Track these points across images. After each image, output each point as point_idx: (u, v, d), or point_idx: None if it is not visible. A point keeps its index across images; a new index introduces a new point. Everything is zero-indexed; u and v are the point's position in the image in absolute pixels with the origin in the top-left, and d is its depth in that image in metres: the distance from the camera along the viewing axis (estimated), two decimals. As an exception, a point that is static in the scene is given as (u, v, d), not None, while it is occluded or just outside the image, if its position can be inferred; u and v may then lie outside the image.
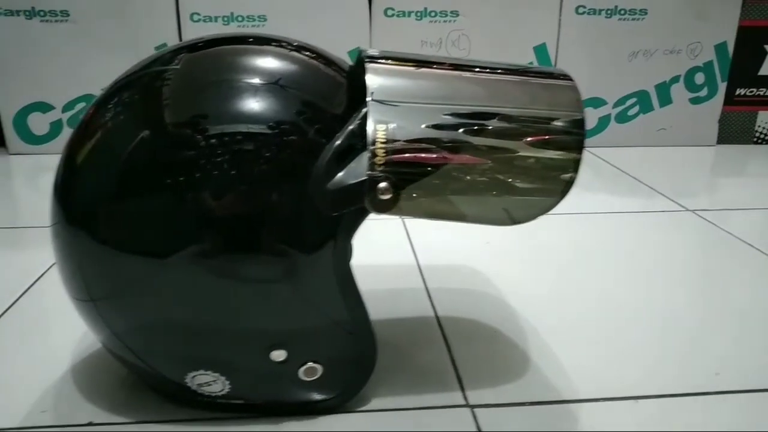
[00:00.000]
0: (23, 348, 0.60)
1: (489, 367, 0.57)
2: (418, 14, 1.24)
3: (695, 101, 1.34)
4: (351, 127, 0.44)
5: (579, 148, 0.46)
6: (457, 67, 0.49)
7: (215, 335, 0.44)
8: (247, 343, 0.45)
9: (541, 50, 1.27)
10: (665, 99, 1.33)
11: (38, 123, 1.27)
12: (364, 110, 0.44)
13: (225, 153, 0.42)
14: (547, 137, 0.46)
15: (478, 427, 0.49)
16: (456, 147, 0.44)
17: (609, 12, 1.26)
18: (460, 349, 0.59)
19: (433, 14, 1.24)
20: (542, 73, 0.50)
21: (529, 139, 0.45)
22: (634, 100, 1.33)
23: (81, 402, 0.51)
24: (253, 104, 0.44)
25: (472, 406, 0.51)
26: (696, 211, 0.98)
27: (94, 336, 0.50)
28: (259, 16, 1.22)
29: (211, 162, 0.42)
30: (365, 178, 0.42)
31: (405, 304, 0.67)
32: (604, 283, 0.74)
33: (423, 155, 0.43)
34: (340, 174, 0.43)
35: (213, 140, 0.43)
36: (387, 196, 0.42)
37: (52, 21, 1.21)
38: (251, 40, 0.52)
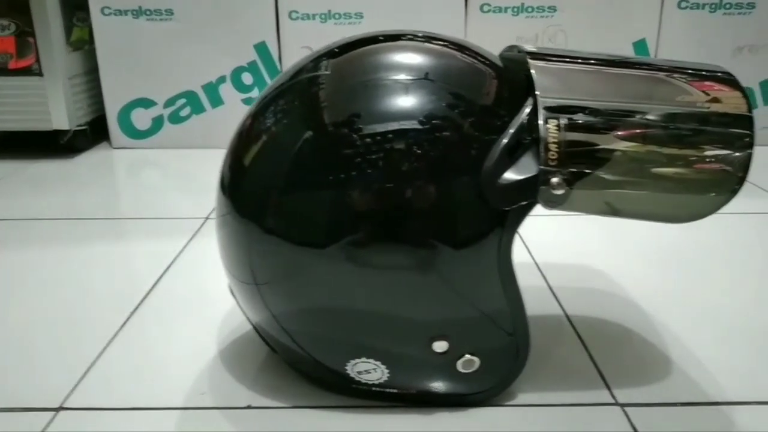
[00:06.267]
0: (167, 333, 0.63)
1: (630, 366, 0.56)
2: (515, 9, 1.23)
3: (803, 99, 1.28)
4: (519, 123, 0.44)
5: (748, 146, 0.45)
6: (615, 63, 0.49)
7: (382, 324, 0.45)
8: (412, 333, 0.46)
9: (640, 46, 1.25)
10: (771, 96, 1.28)
11: (141, 118, 1.33)
12: (530, 106, 0.44)
13: (380, 150, 0.43)
14: (715, 136, 0.45)
15: (632, 426, 0.48)
16: (626, 144, 0.43)
17: (713, 6, 1.22)
18: (597, 346, 0.59)
19: (529, 9, 1.23)
20: (701, 70, 0.49)
21: (697, 137, 0.45)
22: (736, 97, 1.28)
23: (236, 385, 0.53)
24: (405, 101, 0.45)
25: (623, 405, 0.51)
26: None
27: (252, 318, 0.52)
28: (356, 14, 1.24)
29: (367, 160, 0.43)
30: (537, 173, 0.42)
31: (531, 302, 0.66)
32: (725, 283, 0.72)
33: (595, 151, 0.43)
34: (510, 169, 0.43)
35: (368, 139, 0.44)
36: (560, 191, 0.42)
37: (157, 20, 1.26)
38: (382, 38, 0.53)
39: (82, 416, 0.50)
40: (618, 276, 0.74)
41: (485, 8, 1.23)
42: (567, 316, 0.64)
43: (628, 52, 1.24)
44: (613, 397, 0.52)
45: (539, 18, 1.24)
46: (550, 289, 0.70)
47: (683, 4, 1.23)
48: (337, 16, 1.24)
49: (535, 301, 0.67)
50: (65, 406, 0.51)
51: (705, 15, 1.23)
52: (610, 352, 0.58)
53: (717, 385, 0.53)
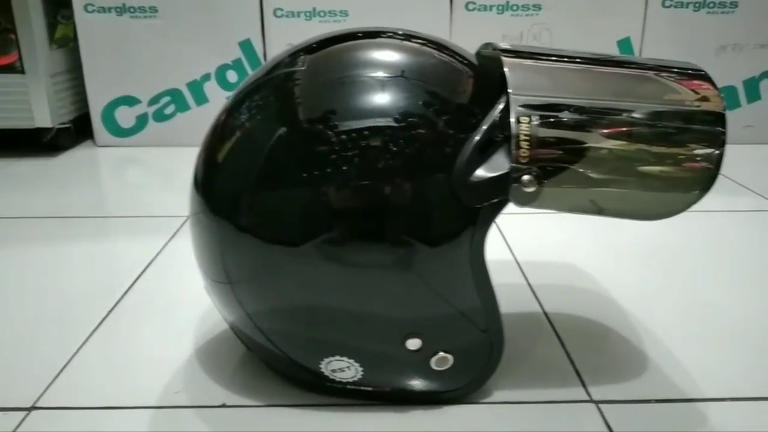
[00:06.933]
0: (144, 332, 0.63)
1: (606, 363, 0.56)
2: (500, 8, 1.23)
3: (786, 97, 1.29)
4: (491, 120, 0.44)
5: (720, 143, 0.45)
6: (590, 61, 0.49)
7: (355, 322, 0.45)
8: (384, 330, 0.46)
9: (625, 44, 1.25)
10: (754, 95, 1.29)
11: (125, 116, 1.32)
12: (503, 103, 0.44)
13: (355, 148, 0.43)
14: (688, 133, 0.45)
15: (606, 423, 0.48)
16: (598, 141, 0.43)
17: (697, 5, 1.23)
18: (574, 344, 0.59)
19: (514, 8, 1.23)
20: (675, 67, 0.49)
21: (670, 134, 0.45)
22: (720, 96, 1.29)
23: (211, 383, 0.53)
24: (380, 98, 0.45)
25: (597, 402, 0.51)
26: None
27: (226, 318, 0.52)
28: (340, 11, 1.23)
29: (342, 157, 0.43)
30: (509, 170, 0.42)
31: (510, 300, 0.67)
32: (706, 281, 0.73)
33: (566, 149, 0.43)
34: (482, 167, 0.43)
35: (343, 136, 0.43)
36: (531, 189, 0.42)
37: (141, 17, 1.25)
38: (361, 35, 0.52)
39: (54, 416, 0.50)
40: (598, 274, 0.74)
41: (470, 6, 1.23)
42: (546, 314, 0.64)
43: (612, 50, 1.25)
44: (588, 394, 0.52)
45: (524, 16, 1.24)
46: (530, 287, 0.70)
47: (667, 3, 1.23)
48: (321, 14, 1.24)
49: (514, 299, 0.67)
50: (38, 405, 0.51)
51: (689, 14, 1.24)
52: (587, 350, 0.58)
53: (691, 382, 0.54)
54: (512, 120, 0.43)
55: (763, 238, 0.86)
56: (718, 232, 0.88)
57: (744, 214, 0.95)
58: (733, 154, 1.23)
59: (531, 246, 0.82)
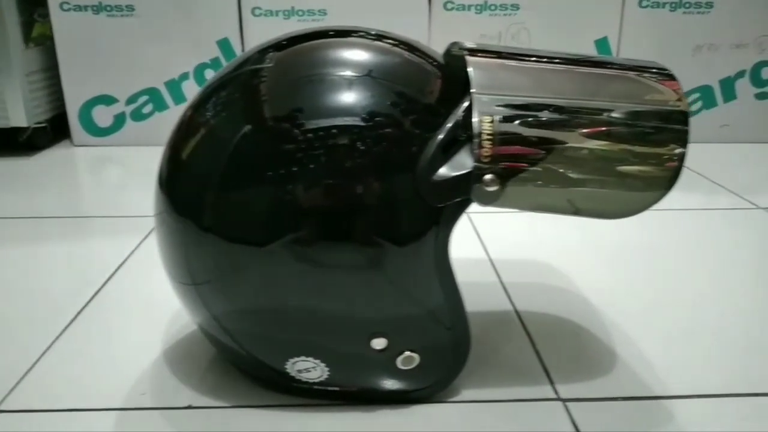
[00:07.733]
0: (113, 333, 0.62)
1: (575, 361, 0.56)
2: (478, 8, 1.23)
3: (761, 97, 1.30)
4: (455, 119, 0.44)
5: (684, 141, 0.45)
6: (556, 60, 0.49)
7: (319, 322, 0.45)
8: (349, 330, 0.46)
9: (602, 44, 1.26)
10: (729, 94, 1.30)
11: (102, 115, 1.31)
12: (467, 102, 0.44)
13: (321, 147, 0.43)
14: (651, 131, 0.45)
15: (572, 421, 0.48)
16: (560, 141, 0.44)
17: (673, 5, 1.24)
18: (544, 342, 0.59)
19: (493, 8, 1.24)
20: (640, 66, 0.50)
21: (633, 132, 0.45)
22: (697, 95, 1.30)
23: (178, 385, 0.53)
24: (347, 97, 0.45)
25: (564, 400, 0.51)
26: None
27: (193, 319, 0.52)
28: (319, 11, 1.23)
29: (308, 155, 0.43)
30: (471, 169, 0.42)
31: (482, 298, 0.67)
32: (680, 279, 0.73)
33: (529, 148, 0.43)
34: (445, 166, 0.43)
35: (310, 134, 0.43)
36: (493, 188, 0.42)
37: (117, 16, 1.24)
38: (332, 33, 0.52)
39: (19, 419, 0.49)
40: (572, 273, 0.74)
41: (449, 6, 1.23)
42: (516, 312, 0.64)
43: (590, 50, 1.26)
44: (556, 392, 0.52)
45: (502, 16, 1.24)
46: (502, 285, 0.70)
47: (644, 3, 1.24)
48: (300, 13, 1.23)
49: (485, 297, 0.67)
50: (1, 408, 0.50)
51: (665, 14, 1.25)
52: (556, 348, 0.58)
53: (659, 380, 0.54)
54: (475, 119, 0.43)
55: (739, 237, 0.87)
56: (693, 230, 0.89)
57: (720, 212, 0.96)
58: (709, 153, 1.25)
59: (505, 244, 0.82)
